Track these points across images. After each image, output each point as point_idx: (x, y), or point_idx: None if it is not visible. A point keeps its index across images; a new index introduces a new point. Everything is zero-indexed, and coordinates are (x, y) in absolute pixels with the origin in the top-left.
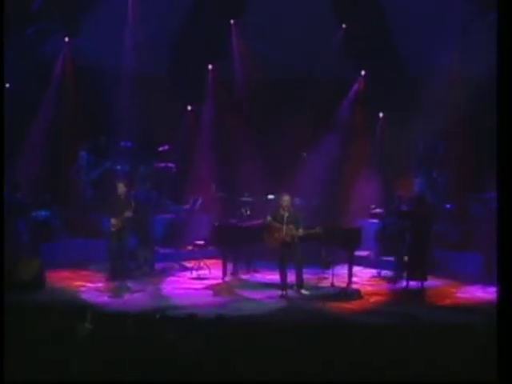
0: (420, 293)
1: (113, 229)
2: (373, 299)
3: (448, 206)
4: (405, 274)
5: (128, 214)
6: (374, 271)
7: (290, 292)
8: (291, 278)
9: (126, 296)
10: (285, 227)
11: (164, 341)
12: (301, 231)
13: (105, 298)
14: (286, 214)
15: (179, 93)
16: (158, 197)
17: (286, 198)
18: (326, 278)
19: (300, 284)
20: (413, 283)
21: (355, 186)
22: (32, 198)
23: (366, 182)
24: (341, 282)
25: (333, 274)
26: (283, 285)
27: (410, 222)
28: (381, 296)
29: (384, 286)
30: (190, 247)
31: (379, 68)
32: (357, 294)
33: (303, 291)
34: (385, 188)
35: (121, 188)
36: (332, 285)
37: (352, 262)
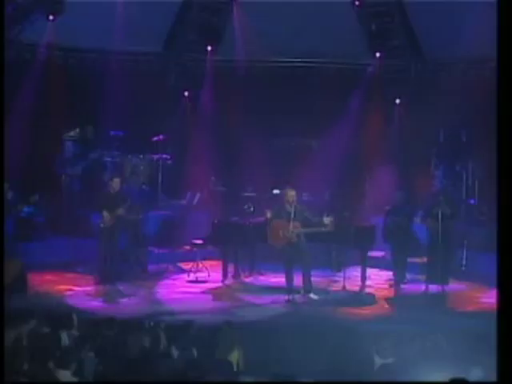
0: (440, 297)
1: (103, 225)
2: (388, 305)
3: (472, 201)
4: (424, 277)
5: (121, 211)
6: (390, 274)
7: (297, 297)
8: (298, 281)
9: (118, 301)
10: (291, 225)
11: (158, 350)
12: (307, 229)
13: (94, 303)
14: (293, 211)
15: (175, 77)
16: (151, 191)
17: (291, 193)
18: (336, 282)
19: (308, 288)
20: (432, 287)
21: (369, 179)
22: (12, 194)
23: (382, 175)
24: (353, 286)
25: (344, 277)
26: (289, 289)
27: (430, 220)
28: (398, 300)
29: (402, 290)
30: (186, 247)
31: (395, 50)
32: (371, 299)
33: (311, 296)
34: (402, 182)
35: (116, 183)
36: (343, 289)
37: (366, 263)
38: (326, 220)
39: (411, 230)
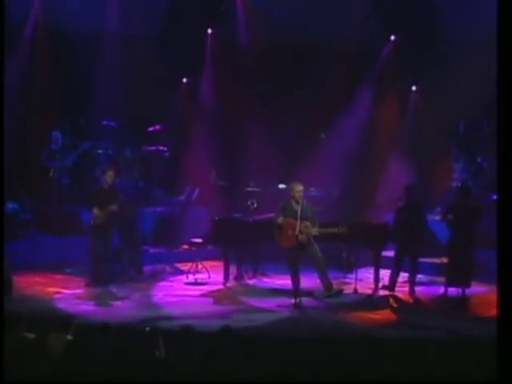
0: (461, 301)
1: (94, 222)
2: (404, 309)
3: (495, 197)
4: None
5: (114, 207)
6: (405, 275)
7: (304, 300)
8: (305, 283)
9: (110, 304)
10: (298, 223)
11: (155, 358)
12: (315, 230)
13: (85, 307)
14: (300, 208)
15: (173, 62)
16: (147, 186)
17: (298, 188)
18: (347, 284)
19: (329, 287)
20: (452, 290)
21: (383, 173)
22: None
23: (396, 168)
24: (366, 289)
25: (356, 279)
26: (296, 291)
27: (452, 217)
28: (413, 305)
29: (418, 293)
30: (185, 246)
31: (411, 32)
32: (385, 303)
33: (333, 291)
34: (419, 176)
35: (110, 177)
36: (355, 291)
37: (379, 264)
38: (340, 229)
39: (424, 229)
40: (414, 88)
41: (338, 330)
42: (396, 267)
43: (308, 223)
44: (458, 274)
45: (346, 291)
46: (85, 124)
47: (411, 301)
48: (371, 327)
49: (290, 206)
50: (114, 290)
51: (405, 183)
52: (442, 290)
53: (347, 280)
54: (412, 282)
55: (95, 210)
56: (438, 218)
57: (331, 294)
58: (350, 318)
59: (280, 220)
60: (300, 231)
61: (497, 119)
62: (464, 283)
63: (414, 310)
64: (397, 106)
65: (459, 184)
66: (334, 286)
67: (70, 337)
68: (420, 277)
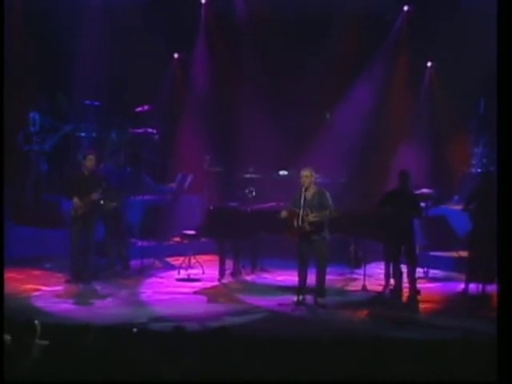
0: (482, 299)
1: (75, 213)
2: (418, 307)
3: None
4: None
5: (96, 195)
6: (419, 270)
7: (309, 298)
8: (312, 279)
9: (93, 303)
10: (301, 212)
11: (143, 362)
12: (313, 216)
13: (65, 306)
14: (306, 195)
15: (163, 35)
16: (134, 172)
17: (302, 173)
18: (355, 280)
19: (320, 290)
20: (472, 286)
21: (395, 157)
22: None
23: (409, 152)
24: (375, 286)
25: (365, 275)
26: (300, 288)
27: (474, 206)
28: (429, 303)
29: (434, 291)
30: (176, 239)
31: (426, 1)
32: (397, 301)
33: (321, 300)
34: (434, 161)
35: (90, 161)
36: (363, 289)
37: (389, 258)
38: (332, 213)
39: (419, 219)
40: (429, 64)
41: (345, 331)
42: (393, 262)
43: (308, 210)
44: (480, 269)
45: (353, 288)
46: (65, 104)
47: (426, 299)
48: (381, 327)
49: (299, 193)
50: (97, 287)
51: (401, 169)
52: (460, 286)
53: (355, 276)
54: (412, 279)
55: (76, 199)
56: (457, 207)
57: (317, 304)
58: (359, 317)
59: (284, 211)
60: (302, 220)
61: (497, 118)
62: (487, 279)
63: (430, 309)
64: (410, 83)
65: (479, 170)
66: (340, 283)
67: (45, 342)
68: (435, 272)
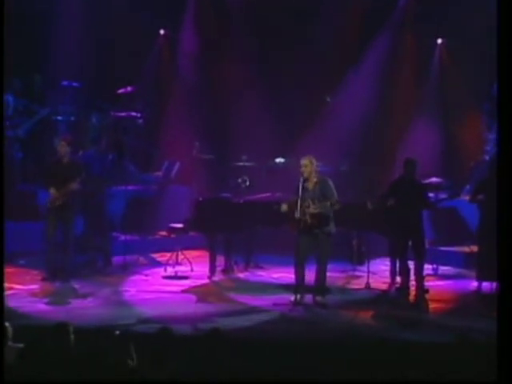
0: (494, 299)
1: (52, 204)
2: (427, 307)
3: None
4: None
5: (75, 185)
6: (428, 267)
7: (307, 297)
8: (310, 277)
9: (72, 303)
10: (299, 203)
11: (126, 367)
12: (313, 207)
13: (41, 306)
14: (306, 186)
15: (148, 9)
16: (116, 160)
17: (303, 162)
18: (358, 278)
19: (320, 288)
20: (486, 285)
21: (401, 143)
22: None
23: (417, 138)
24: (380, 283)
25: (368, 272)
26: (298, 287)
27: (483, 197)
28: (438, 303)
29: (444, 289)
30: (163, 233)
31: None
32: (403, 300)
33: (320, 299)
34: (445, 148)
35: (63, 148)
36: (367, 287)
37: (395, 253)
38: (334, 203)
39: (428, 209)
40: (439, 41)
41: (347, 333)
42: (400, 259)
43: (310, 201)
44: (489, 266)
45: (356, 286)
46: (41, 85)
47: (435, 298)
48: (387, 329)
49: (299, 184)
50: (76, 285)
51: (406, 158)
52: (473, 284)
53: (358, 273)
54: (420, 276)
55: (53, 189)
56: (467, 199)
57: (317, 303)
58: (362, 318)
59: (284, 204)
60: (302, 212)
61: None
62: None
63: (439, 309)
64: (418, 63)
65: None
66: (342, 281)
67: (19, 345)
68: (446, 269)
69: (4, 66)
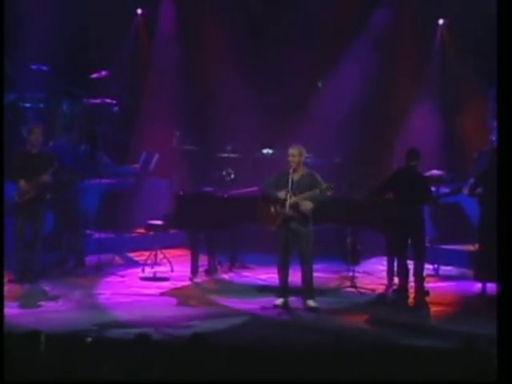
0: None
1: (20, 198)
2: (428, 311)
3: None
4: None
5: (46, 177)
6: (428, 267)
7: (295, 300)
8: (296, 277)
9: (42, 306)
10: (288, 197)
11: (100, 376)
12: (293, 198)
13: (8, 310)
14: (294, 177)
15: None
16: (90, 151)
17: (292, 152)
18: (352, 279)
19: (308, 291)
20: (492, 286)
21: (399, 133)
22: None
23: (417, 126)
24: (376, 285)
25: (364, 273)
26: (283, 289)
27: (483, 191)
28: (440, 306)
29: (446, 291)
30: (140, 230)
31: None
32: (402, 303)
33: (310, 303)
34: (446, 136)
35: (35, 135)
36: (353, 286)
37: (393, 252)
38: (324, 190)
39: (431, 204)
40: (440, 22)
41: (339, 340)
42: (398, 258)
43: (295, 193)
44: (489, 266)
45: (350, 288)
46: (7, 68)
47: (436, 301)
48: (384, 335)
49: (286, 175)
50: (46, 287)
51: (410, 147)
52: (477, 286)
53: (352, 274)
54: (420, 277)
55: (22, 182)
56: (466, 192)
57: (307, 307)
58: (356, 323)
59: (281, 192)
60: (282, 203)
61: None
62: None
63: (441, 312)
64: (418, 45)
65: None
66: (335, 283)
67: None
68: (448, 269)
69: None
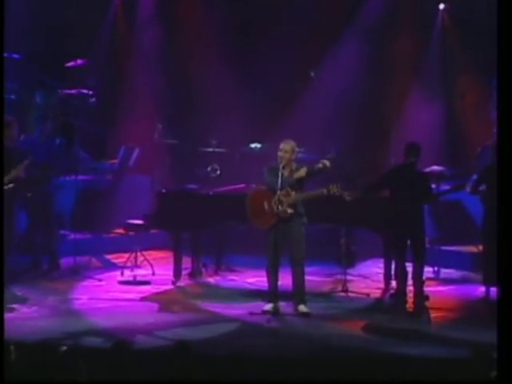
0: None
1: None
2: (428, 317)
3: None
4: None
5: (16, 172)
6: (428, 270)
7: (285, 305)
8: (287, 281)
9: (13, 312)
10: (278, 193)
11: None
12: (294, 194)
13: None
14: (285, 173)
15: None
16: (65, 145)
17: (284, 147)
18: (345, 283)
19: (300, 296)
20: (495, 290)
21: (397, 125)
22: None
23: (415, 118)
24: (372, 289)
25: (359, 276)
26: (273, 293)
27: (486, 188)
28: (440, 312)
29: (446, 295)
30: (119, 230)
31: None
32: (400, 309)
33: (302, 308)
34: (446, 129)
35: (10, 130)
36: (344, 290)
37: (391, 254)
38: (333, 189)
39: (430, 202)
40: (441, 6)
41: (333, 348)
42: (396, 260)
43: (289, 190)
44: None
45: (344, 292)
46: None
47: (437, 306)
48: (381, 342)
49: (276, 170)
50: (17, 292)
51: (410, 141)
52: (480, 290)
53: (346, 277)
54: (419, 280)
55: None
56: (468, 190)
57: (298, 313)
58: (350, 330)
59: (252, 189)
60: (279, 201)
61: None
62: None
63: (441, 318)
64: (417, 31)
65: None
66: (328, 287)
67: None
68: (449, 272)
69: None
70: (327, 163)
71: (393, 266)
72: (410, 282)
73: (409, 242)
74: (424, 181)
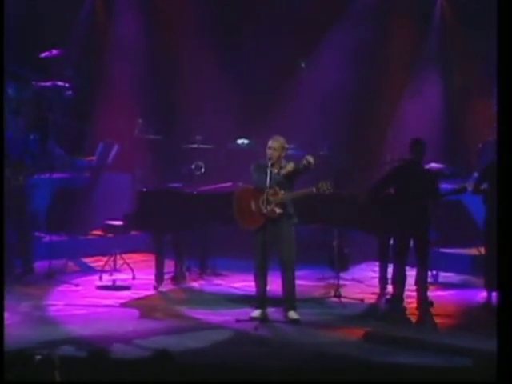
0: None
1: None
2: (427, 323)
3: None
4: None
5: None
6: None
7: (274, 311)
8: (276, 285)
9: None
10: (266, 192)
11: None
12: (283, 193)
13: None
14: (273, 171)
15: None
16: (40, 141)
17: (273, 145)
18: (337, 287)
19: (290, 301)
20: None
21: (393, 121)
22: None
23: (413, 114)
24: (367, 294)
25: (352, 280)
26: (261, 299)
27: (488, 187)
28: (439, 318)
29: (446, 300)
30: (97, 232)
31: None
32: (396, 315)
33: (292, 315)
34: (446, 125)
35: None
36: (337, 295)
37: (386, 257)
38: (323, 186)
39: (437, 201)
40: None
41: (325, 357)
42: (397, 263)
43: (277, 189)
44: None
45: (336, 298)
46: None
47: (435, 311)
48: (375, 351)
49: (264, 168)
50: None
51: (414, 138)
52: (481, 295)
53: (339, 281)
54: (424, 285)
55: None
56: (469, 188)
57: (288, 319)
58: (343, 337)
59: (239, 188)
60: (267, 201)
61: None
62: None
63: (440, 325)
64: (415, 18)
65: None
66: (319, 292)
67: None
68: (448, 276)
69: None
70: (311, 159)
71: (389, 270)
72: (407, 286)
73: (412, 244)
74: (432, 178)
